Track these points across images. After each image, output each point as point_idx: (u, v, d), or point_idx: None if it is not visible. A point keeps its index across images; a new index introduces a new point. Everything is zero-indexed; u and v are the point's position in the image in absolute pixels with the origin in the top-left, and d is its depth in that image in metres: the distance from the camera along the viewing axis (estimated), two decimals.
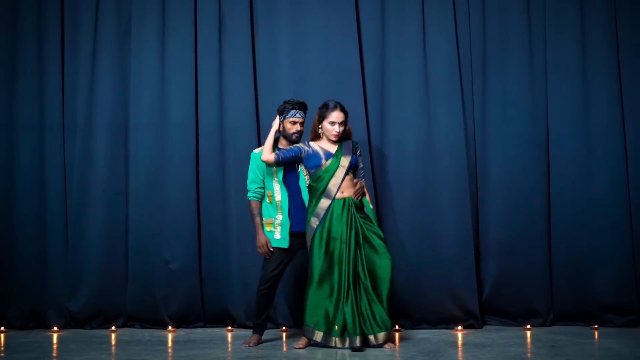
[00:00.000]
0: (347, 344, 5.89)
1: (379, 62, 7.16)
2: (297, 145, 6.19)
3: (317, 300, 5.98)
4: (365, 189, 6.34)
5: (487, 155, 7.11)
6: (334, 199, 6.10)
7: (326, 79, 7.13)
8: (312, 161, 6.16)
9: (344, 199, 6.11)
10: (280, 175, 6.22)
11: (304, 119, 6.30)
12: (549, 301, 6.96)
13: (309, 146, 6.19)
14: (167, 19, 7.21)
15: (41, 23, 7.24)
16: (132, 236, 7.12)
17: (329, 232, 6.04)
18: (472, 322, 6.87)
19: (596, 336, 6.42)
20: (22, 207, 7.13)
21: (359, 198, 6.22)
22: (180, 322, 7.02)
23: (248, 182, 6.30)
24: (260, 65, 7.20)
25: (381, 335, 5.96)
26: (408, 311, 6.94)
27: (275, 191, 6.23)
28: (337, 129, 6.16)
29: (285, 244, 6.19)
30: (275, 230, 6.21)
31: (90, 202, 7.14)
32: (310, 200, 6.16)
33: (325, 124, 6.19)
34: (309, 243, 6.11)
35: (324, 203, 6.09)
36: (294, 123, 6.23)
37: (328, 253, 6.01)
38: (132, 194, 7.14)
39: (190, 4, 7.21)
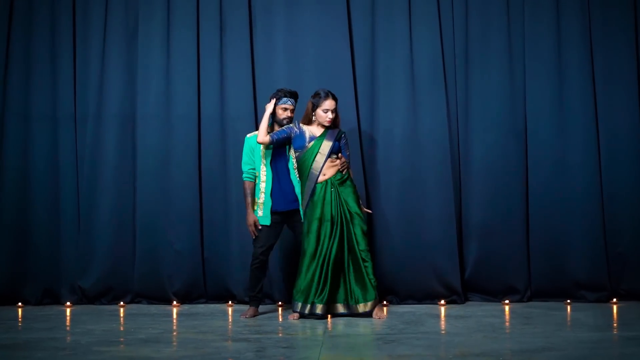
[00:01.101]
0: (329, 310, 6.47)
1: (369, 58, 7.67)
2: (288, 126, 6.72)
3: (307, 277, 6.50)
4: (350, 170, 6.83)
5: (469, 145, 7.61)
6: (316, 181, 6.64)
7: (319, 73, 7.63)
8: (298, 142, 6.69)
9: (326, 180, 6.64)
10: (269, 159, 6.77)
11: (294, 107, 6.84)
12: (526, 279, 7.47)
13: (299, 127, 6.72)
14: (172, 16, 7.72)
15: (54, 19, 7.74)
16: (139, 219, 7.63)
17: (313, 213, 6.58)
18: (454, 297, 7.37)
19: (568, 310, 6.93)
20: (37, 192, 7.64)
21: (344, 170, 6.72)
22: (184, 299, 7.53)
23: (242, 164, 6.87)
24: (258, 60, 7.71)
25: (369, 304, 6.48)
26: (395, 288, 7.45)
27: (261, 173, 6.78)
28: (330, 115, 6.69)
29: (267, 222, 6.73)
30: (259, 209, 6.74)
31: (100, 187, 7.65)
32: (300, 183, 6.71)
33: (319, 111, 6.72)
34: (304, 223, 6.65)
35: (309, 186, 6.63)
36: (285, 109, 6.79)
37: (315, 232, 6.54)
38: (139, 180, 7.65)
39: (193, 3, 7.72)
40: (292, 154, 6.79)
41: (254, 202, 6.80)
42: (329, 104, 6.69)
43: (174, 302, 7.42)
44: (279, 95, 6.80)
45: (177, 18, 7.73)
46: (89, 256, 7.61)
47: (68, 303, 7.44)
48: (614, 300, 7.28)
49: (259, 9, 7.72)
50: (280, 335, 5.75)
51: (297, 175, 6.78)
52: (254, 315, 6.73)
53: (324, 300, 6.45)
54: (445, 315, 6.68)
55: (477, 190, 7.56)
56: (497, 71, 7.61)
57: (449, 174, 7.50)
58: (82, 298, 7.57)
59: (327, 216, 6.57)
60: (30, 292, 7.56)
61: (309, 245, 6.55)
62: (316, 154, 6.66)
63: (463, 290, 7.47)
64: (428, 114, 7.58)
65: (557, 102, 7.55)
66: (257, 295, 6.79)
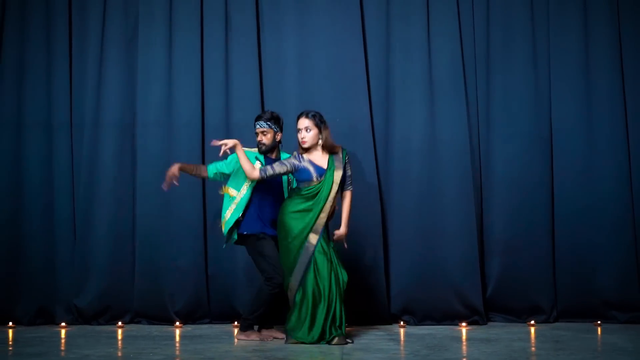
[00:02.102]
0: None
1: (384, 62, 7.26)
2: (289, 160, 6.15)
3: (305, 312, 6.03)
4: (348, 207, 6.22)
5: (491, 153, 7.20)
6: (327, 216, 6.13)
7: (331, 79, 7.23)
8: (303, 175, 6.14)
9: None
10: (254, 183, 6.26)
11: (269, 129, 6.27)
12: (552, 298, 7.03)
13: (300, 160, 6.16)
14: (173, 18, 7.30)
15: (49, 22, 7.33)
16: (139, 234, 7.18)
17: (322, 247, 6.08)
18: (476, 318, 6.94)
19: (599, 332, 6.50)
20: (30, 205, 7.21)
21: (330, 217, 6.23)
22: (186, 319, 7.08)
23: (213, 163, 6.39)
24: (266, 64, 7.30)
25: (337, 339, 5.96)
26: (412, 308, 7.02)
27: (240, 192, 6.28)
28: (302, 135, 6.14)
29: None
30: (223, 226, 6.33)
31: (97, 199, 7.21)
32: (296, 211, 6.09)
33: (297, 132, 6.22)
34: (308, 257, 6.05)
35: (322, 219, 6.10)
36: (257, 134, 6.32)
37: (317, 266, 6.04)
38: (139, 192, 7.21)
39: (196, 4, 7.31)
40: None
41: (194, 168, 6.38)
42: (300, 122, 6.16)
43: (176, 323, 6.96)
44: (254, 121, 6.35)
45: (180, 20, 7.31)
46: (85, 273, 7.18)
47: (63, 323, 6.99)
48: None
49: (266, 11, 7.32)
50: None
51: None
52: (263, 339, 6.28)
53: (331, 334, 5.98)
54: (469, 339, 6.22)
55: (500, 203, 7.15)
56: (521, 76, 7.21)
57: (470, 186, 7.07)
58: (78, 318, 7.13)
59: (326, 250, 6.10)
60: (23, 311, 7.12)
61: (313, 281, 6.05)
62: (331, 187, 6.09)
63: (485, 309, 7.04)
64: (447, 122, 7.16)
65: (585, 109, 7.14)
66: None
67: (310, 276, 6.01)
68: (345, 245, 6.22)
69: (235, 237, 6.34)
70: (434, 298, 6.99)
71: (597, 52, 7.12)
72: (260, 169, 6.09)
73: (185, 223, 7.14)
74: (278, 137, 6.34)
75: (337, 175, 6.12)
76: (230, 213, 6.27)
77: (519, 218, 7.08)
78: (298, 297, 6.02)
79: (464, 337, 6.33)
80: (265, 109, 7.20)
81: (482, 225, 7.15)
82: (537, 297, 7.02)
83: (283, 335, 6.17)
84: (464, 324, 6.84)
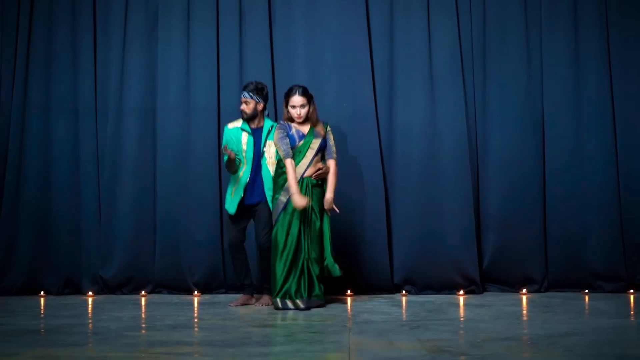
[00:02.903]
0: (299, 305, 6.44)
1: (387, 51, 7.74)
2: (281, 129, 6.68)
3: (279, 271, 6.54)
4: (333, 176, 6.73)
5: (487, 137, 7.69)
6: (300, 177, 6.64)
7: (339, 69, 7.72)
8: (290, 141, 6.68)
9: (303, 178, 6.65)
10: (250, 150, 6.78)
11: (251, 99, 6.78)
12: (543, 270, 7.54)
13: (289, 128, 6.72)
14: (191, 9, 7.81)
15: (75, 12, 7.84)
16: (159, 210, 7.70)
17: (292, 208, 6.59)
18: (473, 288, 7.45)
19: (586, 299, 7.02)
20: (58, 184, 7.74)
21: (318, 178, 6.72)
22: (204, 289, 7.61)
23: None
24: (277, 54, 7.79)
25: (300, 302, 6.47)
26: (413, 278, 7.54)
27: (244, 161, 6.81)
28: (297, 111, 6.68)
29: (232, 210, 6.83)
30: (230, 195, 6.85)
31: (121, 179, 7.74)
32: (278, 175, 6.68)
33: (289, 107, 6.73)
34: (275, 216, 6.62)
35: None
36: (241, 102, 6.85)
37: (289, 227, 6.56)
38: (159, 172, 7.72)
39: None
40: (267, 149, 6.81)
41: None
42: (295, 100, 6.68)
43: (195, 292, 7.48)
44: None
45: (197, 11, 7.82)
46: (110, 247, 7.71)
47: (90, 293, 7.52)
48: (631, 290, 7.35)
49: (278, 5, 7.81)
50: (305, 321, 5.82)
51: (272, 170, 6.78)
52: (244, 303, 6.84)
53: (305, 294, 6.51)
54: (465, 304, 6.76)
55: (495, 182, 7.64)
56: (515, 65, 7.68)
57: (467, 167, 7.58)
58: (103, 288, 7.66)
59: (297, 213, 6.58)
60: (52, 282, 7.64)
61: (284, 240, 6.57)
62: (306, 151, 6.67)
63: (481, 280, 7.54)
64: (446, 107, 7.66)
65: (575, 94, 7.63)
66: (243, 284, 6.94)
67: (280, 234, 6.54)
68: (337, 210, 6.73)
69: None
70: (433, 269, 7.50)
71: (586, 43, 7.61)
72: (285, 156, 6.59)
73: (203, 201, 7.66)
74: (259, 107, 6.85)
75: (315, 142, 6.67)
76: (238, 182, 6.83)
77: (512, 196, 7.58)
78: (272, 258, 6.57)
79: (461, 303, 6.85)
80: (277, 93, 7.70)
81: (479, 203, 7.65)
82: (529, 269, 7.53)
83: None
84: (461, 292, 7.36)
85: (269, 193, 6.76)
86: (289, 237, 6.54)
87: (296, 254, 6.55)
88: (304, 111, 6.67)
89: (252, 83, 6.86)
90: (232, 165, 6.74)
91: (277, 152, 6.72)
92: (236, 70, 7.78)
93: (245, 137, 6.81)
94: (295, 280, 6.50)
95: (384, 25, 7.76)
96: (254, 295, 6.98)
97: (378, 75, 7.74)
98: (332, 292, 7.37)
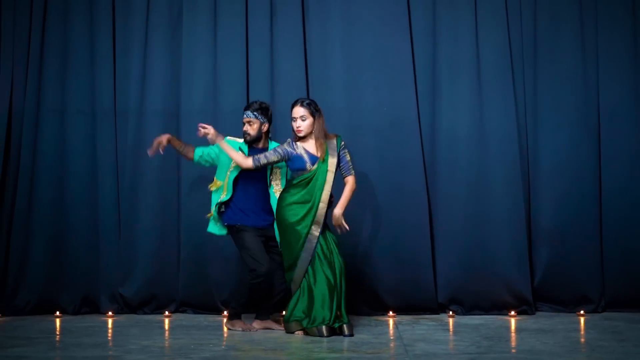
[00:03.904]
0: (324, 334, 5.86)
1: (430, 50, 7.19)
2: (282, 147, 6.11)
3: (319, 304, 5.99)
4: (350, 192, 6.14)
5: (538, 143, 7.14)
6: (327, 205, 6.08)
7: (377, 68, 7.18)
8: (297, 164, 6.09)
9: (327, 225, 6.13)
10: (233, 176, 6.25)
11: (255, 119, 6.26)
12: (600, 288, 7.00)
13: (294, 147, 6.12)
14: (218, 5, 7.24)
15: (92, 8, 7.28)
16: (184, 222, 7.14)
17: (324, 238, 6.08)
18: (524, 308, 6.90)
19: None
20: (75, 194, 7.17)
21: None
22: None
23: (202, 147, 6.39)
24: (311, 51, 7.23)
25: (346, 327, 5.92)
26: (460, 297, 6.99)
27: (224, 185, 6.29)
28: (297, 124, 6.11)
29: (216, 231, 6.39)
30: (215, 219, 6.34)
31: (142, 188, 7.18)
32: (292, 202, 6.05)
33: (292, 121, 6.19)
34: (312, 250, 6.01)
35: (322, 209, 6.03)
36: (244, 123, 6.29)
37: (321, 257, 6.02)
38: (184, 181, 7.16)
39: None
40: (273, 177, 6.34)
41: (182, 145, 6.40)
42: (295, 111, 6.14)
43: (224, 312, 6.90)
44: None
45: (224, 6, 7.25)
46: (130, 262, 7.15)
47: (110, 313, 6.95)
48: None
49: None
50: (356, 352, 5.24)
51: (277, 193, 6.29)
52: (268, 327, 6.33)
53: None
54: (523, 329, 6.19)
55: (548, 192, 7.10)
56: (568, 64, 7.14)
57: (518, 175, 7.03)
58: (123, 307, 7.10)
59: (322, 242, 6.06)
60: (68, 301, 7.08)
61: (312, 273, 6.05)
62: (326, 176, 6.05)
63: (532, 299, 6.97)
64: (495, 110, 7.11)
65: (634, 96, 7.09)
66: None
67: (318, 267, 5.98)
68: (347, 228, 6.14)
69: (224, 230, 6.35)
70: (481, 288, 6.95)
71: None
72: (254, 158, 6.04)
73: None
74: (264, 128, 6.31)
75: (332, 163, 6.07)
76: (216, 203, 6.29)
77: (566, 207, 7.04)
78: (305, 286, 5.98)
79: (517, 327, 6.31)
80: (312, 98, 7.11)
81: (530, 214, 7.10)
82: (585, 287, 6.98)
83: (277, 327, 6.22)
84: (512, 313, 6.81)
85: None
86: (325, 273, 5.99)
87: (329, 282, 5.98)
88: (304, 124, 6.09)
89: (256, 102, 6.34)
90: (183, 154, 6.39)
91: (282, 176, 6.32)
92: (267, 71, 7.23)
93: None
94: (335, 307, 5.94)
95: (427, 21, 7.21)
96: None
97: (420, 76, 7.19)
98: (372, 312, 6.92)
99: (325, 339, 5.74)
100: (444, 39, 7.17)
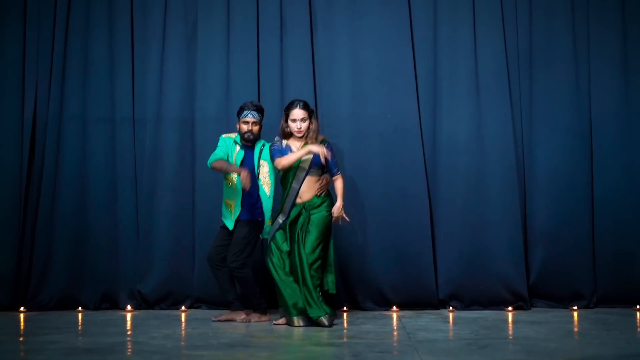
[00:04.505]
0: (324, 323, 6.24)
1: (431, 61, 7.59)
2: (280, 148, 6.59)
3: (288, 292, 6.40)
4: (342, 187, 6.63)
5: (534, 148, 7.53)
6: (294, 198, 6.51)
7: (381, 78, 7.57)
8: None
9: (301, 204, 6.52)
10: (238, 164, 6.68)
11: (257, 119, 6.74)
12: (592, 284, 7.38)
13: (281, 144, 6.62)
14: (231, 19, 7.64)
15: (111, 22, 7.65)
16: (198, 224, 7.51)
17: (290, 229, 6.48)
18: (521, 304, 7.27)
19: (638, 316, 6.84)
20: (96, 196, 7.54)
21: (323, 192, 6.59)
22: (244, 304, 7.40)
23: (213, 154, 6.74)
24: (319, 63, 7.63)
25: (324, 318, 6.25)
26: (460, 294, 7.37)
27: (233, 177, 6.69)
28: (297, 125, 6.55)
29: (230, 225, 6.70)
30: (229, 211, 6.71)
31: (159, 191, 7.56)
32: (281, 194, 6.62)
33: (289, 121, 6.60)
34: (271, 235, 6.52)
35: (288, 202, 6.50)
36: (246, 123, 6.71)
37: (286, 248, 6.46)
38: (198, 185, 7.53)
39: (252, 5, 7.64)
40: (261, 169, 6.73)
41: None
42: (295, 113, 6.56)
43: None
44: (241, 109, 6.77)
45: (237, 20, 7.65)
46: (148, 261, 7.52)
47: (129, 307, 7.34)
48: None
49: (320, 13, 7.65)
50: (362, 340, 5.64)
51: (267, 190, 6.72)
52: (228, 320, 6.72)
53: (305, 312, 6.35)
54: (519, 321, 6.58)
55: (542, 195, 7.48)
56: (562, 75, 7.55)
57: (514, 179, 7.42)
58: (141, 303, 7.47)
59: (295, 236, 6.48)
60: (89, 297, 7.46)
61: (281, 261, 6.48)
62: (296, 172, 6.53)
63: (528, 295, 7.36)
64: (492, 117, 7.51)
65: (624, 105, 7.50)
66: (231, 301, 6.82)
67: (274, 254, 6.44)
68: (347, 219, 6.63)
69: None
70: (480, 285, 7.32)
71: (635, 50, 7.49)
72: (282, 165, 6.50)
73: None
74: (261, 127, 6.81)
75: (306, 159, 6.50)
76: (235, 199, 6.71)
77: (560, 209, 7.42)
78: (276, 278, 6.43)
79: (514, 320, 6.67)
80: (319, 107, 7.54)
81: (526, 216, 7.49)
82: (577, 284, 7.36)
83: (240, 318, 6.70)
84: (509, 308, 7.19)
85: (266, 212, 6.69)
86: (291, 257, 6.43)
87: (296, 272, 6.38)
88: (304, 125, 6.54)
89: (252, 103, 6.77)
90: (224, 169, 6.63)
91: (270, 172, 6.71)
92: (277, 81, 7.62)
93: (236, 149, 6.73)
94: (309, 297, 6.32)
95: (428, 34, 7.62)
96: (244, 310, 6.84)
97: (422, 85, 7.59)
98: (376, 307, 7.30)
99: (326, 329, 6.13)
100: (444, 50, 7.58)
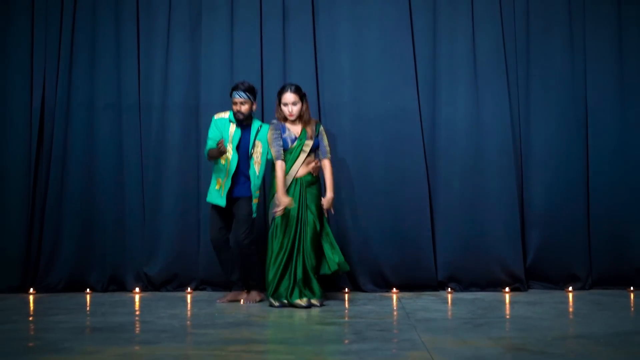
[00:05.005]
0: (301, 304, 6.45)
1: (430, 47, 7.75)
2: (277, 133, 6.73)
3: (272, 273, 6.59)
4: (331, 175, 6.81)
5: (531, 133, 7.70)
6: (293, 178, 6.70)
7: (382, 64, 7.72)
8: (283, 144, 6.74)
9: (296, 179, 6.70)
10: (236, 143, 6.86)
11: (245, 99, 6.87)
12: (587, 267, 7.56)
13: (283, 129, 6.77)
14: (234, 7, 7.80)
15: (118, 9, 7.83)
16: (203, 208, 7.64)
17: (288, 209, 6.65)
18: (517, 285, 7.46)
19: (632, 297, 7.03)
20: (103, 181, 7.73)
21: (316, 173, 6.79)
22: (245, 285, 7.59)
23: (209, 139, 6.95)
24: (321, 50, 7.77)
25: (315, 301, 6.51)
26: (458, 276, 7.55)
27: (228, 154, 6.87)
28: (289, 109, 6.73)
29: (223, 203, 6.86)
30: (219, 187, 6.88)
31: (165, 176, 7.74)
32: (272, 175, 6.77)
33: (282, 105, 6.78)
34: (271, 215, 6.70)
35: (287, 181, 6.67)
36: (235, 103, 6.88)
37: (286, 228, 6.61)
38: (203, 170, 7.69)
39: None
40: (255, 149, 6.87)
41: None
42: (287, 97, 6.73)
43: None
44: (231, 89, 6.95)
45: (240, 9, 7.81)
46: (154, 244, 7.71)
47: (137, 289, 7.52)
48: None
49: (322, 1, 7.80)
50: (364, 319, 5.83)
51: (257, 170, 6.88)
52: (232, 300, 6.91)
53: (298, 296, 6.52)
54: (515, 302, 6.76)
55: (539, 178, 7.66)
56: (558, 60, 7.70)
57: (512, 163, 7.59)
58: (148, 285, 7.66)
59: (293, 213, 6.63)
60: (97, 279, 7.65)
61: (279, 241, 6.63)
62: (299, 154, 6.71)
63: (525, 277, 7.54)
64: (489, 103, 7.67)
65: (619, 91, 7.66)
66: (234, 281, 7.00)
67: (276, 235, 6.61)
68: (332, 211, 6.84)
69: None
70: (478, 267, 7.51)
71: (630, 38, 7.65)
72: (276, 157, 6.68)
73: None
74: (254, 108, 6.95)
75: (307, 145, 6.72)
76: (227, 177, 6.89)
77: (556, 193, 7.60)
78: (272, 258, 6.61)
79: (511, 301, 6.85)
80: (321, 92, 7.71)
81: (523, 199, 7.66)
82: (573, 266, 7.54)
83: (243, 298, 6.89)
84: (507, 290, 7.38)
85: (254, 190, 6.87)
86: (286, 238, 6.59)
87: (291, 256, 6.57)
88: (295, 109, 6.70)
89: (243, 83, 6.90)
90: (216, 155, 6.82)
91: (263, 153, 6.87)
92: (279, 67, 7.77)
93: (232, 128, 6.88)
94: (291, 282, 6.52)
95: (427, 21, 7.76)
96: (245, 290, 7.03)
97: (421, 71, 7.74)
98: (376, 289, 7.49)
99: (328, 311, 6.32)
100: (443, 38, 7.74)
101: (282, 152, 6.68)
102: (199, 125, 7.76)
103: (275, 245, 6.60)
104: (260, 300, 6.85)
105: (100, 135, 7.78)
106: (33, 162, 7.69)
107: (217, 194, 6.90)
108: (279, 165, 6.64)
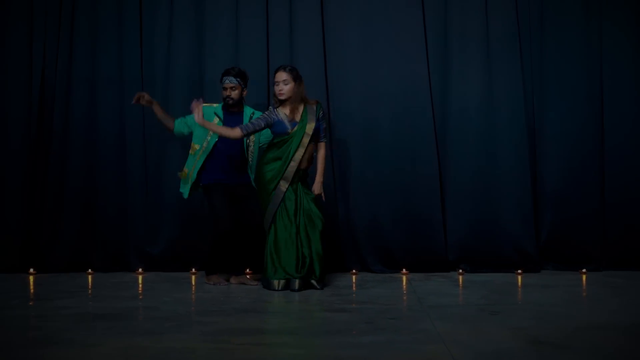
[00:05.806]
0: (289, 286, 6.32)
1: (442, 24, 7.53)
2: (265, 114, 6.52)
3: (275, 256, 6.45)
4: (323, 159, 6.62)
5: (544, 110, 7.49)
6: (298, 164, 6.48)
7: (391, 41, 7.53)
8: (278, 128, 6.50)
9: (300, 170, 6.52)
10: (214, 141, 6.70)
11: (235, 84, 6.71)
12: (601, 247, 7.37)
13: (276, 113, 6.52)
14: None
15: None
16: None
17: (294, 194, 6.48)
18: (530, 266, 7.28)
19: None
20: (105, 159, 7.54)
21: (311, 162, 6.61)
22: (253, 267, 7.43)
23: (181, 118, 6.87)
24: (329, 26, 7.57)
25: (314, 282, 6.38)
26: (469, 256, 7.38)
27: (203, 144, 6.71)
28: (280, 87, 6.50)
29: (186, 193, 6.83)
30: (188, 176, 6.77)
31: (168, 154, 7.54)
32: (268, 160, 6.52)
33: (275, 85, 6.57)
34: (275, 205, 6.47)
35: (292, 167, 6.46)
36: (224, 89, 6.72)
37: (287, 213, 6.44)
38: None
39: None
40: (249, 137, 6.73)
41: (164, 115, 6.88)
42: (278, 75, 6.52)
43: (247, 270, 7.29)
44: (221, 76, 6.77)
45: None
46: (157, 223, 7.54)
47: (140, 270, 7.35)
48: None
49: None
50: (374, 305, 5.65)
51: (250, 157, 6.78)
52: (241, 283, 6.75)
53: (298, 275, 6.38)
54: (528, 285, 6.60)
55: (553, 157, 7.46)
56: (573, 35, 7.49)
57: (525, 141, 7.40)
58: (151, 265, 7.48)
59: (292, 204, 6.47)
60: (99, 259, 7.48)
61: (282, 225, 6.48)
62: (302, 137, 6.48)
63: (538, 258, 7.36)
64: (502, 80, 7.47)
65: (635, 67, 7.44)
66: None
67: (280, 220, 6.42)
68: (323, 197, 6.63)
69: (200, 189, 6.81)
70: (490, 247, 7.35)
71: None
72: (242, 128, 6.44)
73: None
74: (244, 93, 6.77)
75: (309, 127, 6.50)
76: (194, 166, 6.72)
77: (570, 172, 7.41)
78: (270, 240, 6.44)
79: (523, 283, 6.69)
80: (329, 72, 7.51)
81: (536, 178, 7.47)
82: (587, 247, 7.36)
83: (251, 282, 6.68)
84: (519, 271, 7.20)
85: (251, 175, 6.75)
86: (288, 222, 6.43)
87: (294, 238, 6.42)
88: (286, 88, 6.48)
89: (234, 68, 6.74)
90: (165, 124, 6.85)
91: (256, 141, 6.77)
92: (286, 45, 7.57)
93: (215, 121, 6.69)
94: (294, 263, 6.37)
95: None
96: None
97: (432, 48, 7.53)
98: (386, 270, 7.32)
99: (335, 296, 6.14)
100: (455, 13, 7.51)
101: (251, 130, 6.44)
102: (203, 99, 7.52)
103: (280, 226, 6.40)
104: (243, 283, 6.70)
105: (102, 111, 7.58)
106: (33, 139, 7.50)
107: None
108: (237, 132, 6.40)
